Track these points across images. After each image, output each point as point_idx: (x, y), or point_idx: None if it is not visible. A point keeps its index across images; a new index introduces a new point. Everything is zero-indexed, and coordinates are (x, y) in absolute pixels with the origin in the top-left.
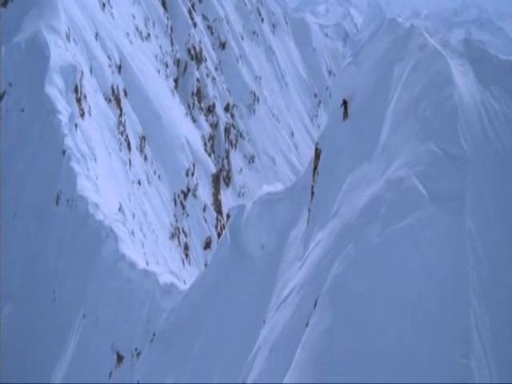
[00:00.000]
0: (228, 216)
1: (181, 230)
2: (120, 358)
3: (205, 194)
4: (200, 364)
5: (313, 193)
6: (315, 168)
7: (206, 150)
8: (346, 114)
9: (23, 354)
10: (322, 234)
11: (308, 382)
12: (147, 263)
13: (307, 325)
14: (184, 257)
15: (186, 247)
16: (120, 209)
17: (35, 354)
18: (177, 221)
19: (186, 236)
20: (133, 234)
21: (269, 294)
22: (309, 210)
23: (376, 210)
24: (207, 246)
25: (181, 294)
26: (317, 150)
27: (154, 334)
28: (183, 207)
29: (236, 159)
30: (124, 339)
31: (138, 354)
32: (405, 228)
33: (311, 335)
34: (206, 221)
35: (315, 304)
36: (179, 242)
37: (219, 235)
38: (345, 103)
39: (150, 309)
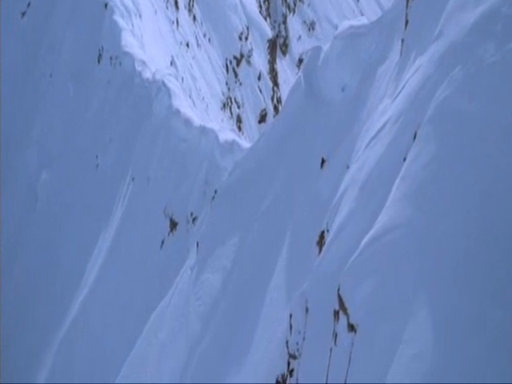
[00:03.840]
0: (300, 61)
1: (233, 99)
2: (174, 224)
3: (260, 61)
4: (270, 220)
5: (407, 21)
6: None
7: (260, 12)
8: None
9: (64, 220)
10: (421, 61)
11: (407, 216)
12: None
13: (405, 159)
14: (237, 129)
15: (239, 119)
16: (172, 63)
17: (78, 222)
18: (229, 89)
19: (238, 107)
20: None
21: (352, 138)
22: (402, 41)
23: (490, 28)
24: (262, 119)
25: (244, 151)
26: None
27: (215, 192)
28: (236, 75)
29: (294, 25)
30: (178, 203)
31: (194, 220)
32: None
33: (411, 168)
34: (260, 91)
35: (415, 135)
36: (231, 113)
37: (275, 108)
38: None
39: (209, 169)
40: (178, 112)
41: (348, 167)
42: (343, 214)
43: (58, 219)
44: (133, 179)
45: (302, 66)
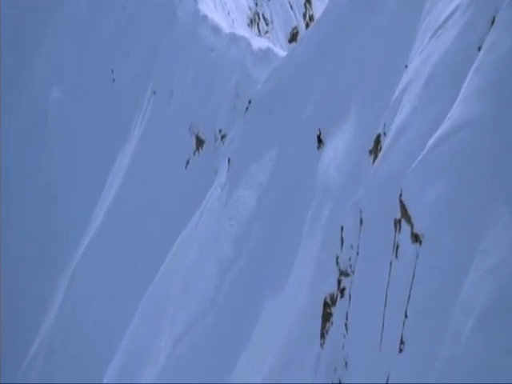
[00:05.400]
0: None
1: (261, 15)
2: (200, 142)
3: None
4: (311, 131)
5: None
6: None
7: None
8: None
9: (77, 140)
10: None
11: (481, 112)
12: None
13: (479, 49)
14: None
15: (268, 38)
16: None
17: (93, 141)
18: (256, 5)
19: (267, 24)
20: None
21: (410, 35)
22: None
23: None
24: (293, 38)
25: (279, 60)
26: None
27: (249, 103)
28: None
29: None
30: (205, 119)
31: (223, 137)
32: None
33: (487, 58)
34: (291, 7)
35: (492, 21)
36: (259, 30)
37: (307, 26)
38: None
39: (240, 81)
40: (205, 18)
41: (406, 66)
42: (404, 114)
43: (70, 139)
44: (154, 93)
45: None
